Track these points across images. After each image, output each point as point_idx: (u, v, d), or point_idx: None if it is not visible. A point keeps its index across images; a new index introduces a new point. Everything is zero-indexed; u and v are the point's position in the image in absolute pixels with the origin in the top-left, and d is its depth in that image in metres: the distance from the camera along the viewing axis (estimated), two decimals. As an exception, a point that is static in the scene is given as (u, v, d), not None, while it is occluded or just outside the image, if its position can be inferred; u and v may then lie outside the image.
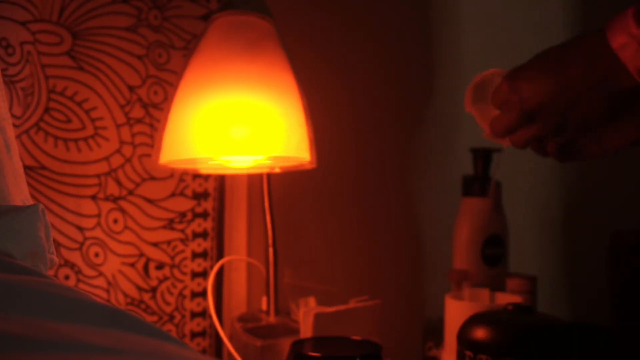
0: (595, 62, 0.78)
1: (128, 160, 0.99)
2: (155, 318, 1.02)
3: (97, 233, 0.96)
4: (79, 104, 0.95)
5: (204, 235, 1.06)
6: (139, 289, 1.00)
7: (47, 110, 0.92)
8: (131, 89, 0.99)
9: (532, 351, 0.81)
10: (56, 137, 0.93)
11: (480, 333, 0.83)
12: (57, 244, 0.93)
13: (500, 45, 1.46)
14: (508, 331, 0.82)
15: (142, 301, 1.00)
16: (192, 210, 1.05)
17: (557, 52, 0.81)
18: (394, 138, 1.33)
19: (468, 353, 0.83)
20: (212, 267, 1.06)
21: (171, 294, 1.03)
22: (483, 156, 1.16)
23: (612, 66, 0.76)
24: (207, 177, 1.06)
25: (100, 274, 0.96)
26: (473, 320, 0.86)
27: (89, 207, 0.96)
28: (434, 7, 1.38)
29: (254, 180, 1.08)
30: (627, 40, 0.73)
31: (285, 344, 0.91)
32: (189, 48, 1.02)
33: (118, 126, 0.98)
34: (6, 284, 0.49)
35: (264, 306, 0.99)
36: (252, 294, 1.10)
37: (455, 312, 0.95)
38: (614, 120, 0.80)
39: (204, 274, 1.06)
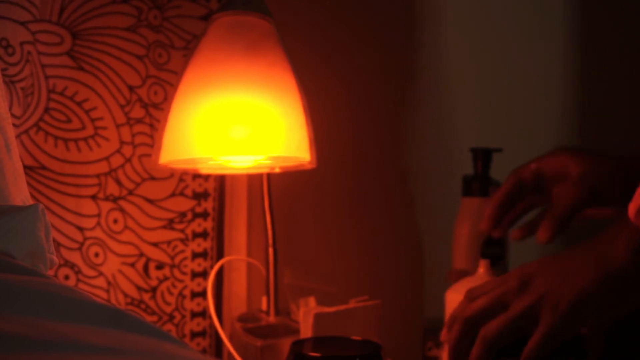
0: (601, 240, 0.69)
1: (128, 160, 0.99)
2: (155, 318, 1.02)
3: (97, 233, 0.96)
4: (79, 104, 0.95)
5: (204, 235, 1.06)
6: (139, 289, 1.00)
7: (47, 110, 0.92)
8: (131, 89, 0.99)
9: None
10: (56, 137, 0.93)
11: None
12: (57, 244, 0.93)
13: (501, 45, 1.46)
14: None
15: (142, 301, 1.00)
16: (192, 210, 1.05)
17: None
18: (394, 138, 1.33)
19: None
20: (212, 267, 1.06)
21: (171, 294, 1.03)
22: (483, 156, 1.16)
23: (616, 238, 0.67)
24: (207, 177, 1.06)
25: (100, 274, 0.96)
26: None
27: (89, 207, 0.96)
28: (436, 7, 1.38)
29: (254, 180, 1.08)
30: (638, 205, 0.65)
31: (285, 344, 0.91)
32: (189, 48, 1.02)
33: (118, 126, 0.98)
34: (6, 284, 0.49)
35: (264, 306, 0.99)
36: (252, 294, 1.10)
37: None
38: (615, 309, 0.69)
39: (204, 274, 1.06)
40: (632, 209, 0.66)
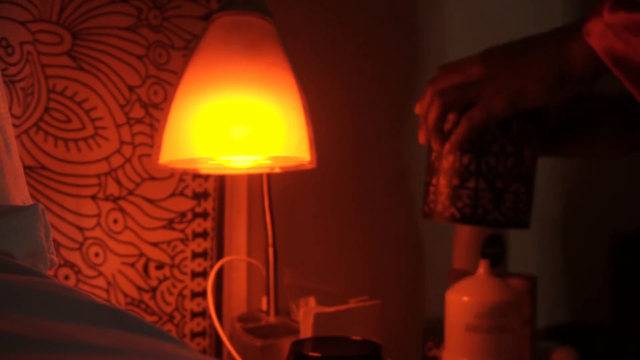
0: (557, 39, 0.80)
1: (128, 160, 0.99)
2: (155, 318, 1.02)
3: (97, 233, 0.96)
4: (79, 104, 0.95)
5: (204, 235, 1.06)
6: (139, 289, 1.00)
7: (47, 110, 0.92)
8: (131, 89, 0.99)
9: None
10: (56, 137, 0.93)
11: None
12: (57, 244, 0.93)
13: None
14: None
15: (142, 301, 1.00)
16: (192, 210, 1.05)
17: (532, 35, 0.84)
18: (394, 138, 1.33)
19: None
20: (212, 267, 1.06)
21: (171, 294, 1.03)
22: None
23: (572, 43, 0.78)
24: (207, 177, 1.06)
25: (100, 274, 0.96)
26: None
27: (89, 207, 0.96)
28: (435, 7, 1.38)
29: (254, 180, 1.08)
30: (597, 21, 0.74)
31: (285, 344, 0.91)
32: (189, 48, 1.02)
33: (118, 126, 0.98)
34: (6, 284, 0.49)
35: (264, 306, 0.99)
36: (252, 294, 1.10)
37: (456, 309, 0.94)
38: (555, 99, 0.82)
39: (204, 274, 1.06)
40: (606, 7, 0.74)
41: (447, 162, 0.87)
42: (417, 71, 1.36)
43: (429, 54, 1.37)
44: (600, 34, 0.74)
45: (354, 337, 0.82)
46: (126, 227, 0.99)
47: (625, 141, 0.91)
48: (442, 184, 0.87)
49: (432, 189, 0.89)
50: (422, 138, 0.89)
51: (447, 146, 0.86)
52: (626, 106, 0.86)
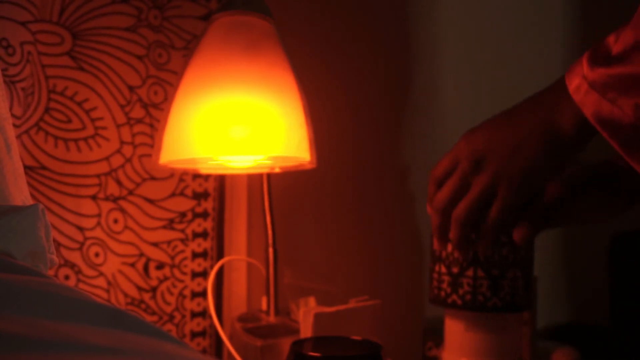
0: (544, 106, 0.77)
1: (128, 160, 0.99)
2: (155, 318, 1.02)
3: (97, 233, 0.96)
4: (79, 104, 0.95)
5: (204, 235, 1.06)
6: (139, 289, 1.00)
7: (47, 110, 0.92)
8: (131, 89, 0.99)
9: None
10: (56, 137, 0.93)
11: None
12: (57, 244, 0.93)
13: (498, 46, 1.46)
14: None
15: (142, 301, 1.00)
16: (192, 210, 1.05)
17: (515, 105, 0.82)
18: (394, 138, 1.33)
19: None
20: (212, 267, 1.06)
21: (171, 294, 1.03)
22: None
23: (559, 110, 0.75)
24: (207, 177, 1.06)
25: (100, 274, 0.96)
26: None
27: (89, 207, 0.96)
28: (434, 8, 1.38)
29: (254, 180, 1.08)
30: (579, 82, 0.72)
31: (285, 344, 0.91)
32: (189, 48, 1.02)
33: (118, 126, 0.98)
34: (6, 284, 0.49)
35: (264, 306, 0.99)
36: (252, 294, 1.10)
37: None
38: (557, 172, 0.80)
39: (204, 274, 1.06)
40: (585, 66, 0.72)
41: (447, 251, 0.91)
42: (416, 71, 1.36)
43: (429, 54, 1.37)
44: (585, 94, 0.72)
45: (354, 337, 0.82)
46: (126, 227, 0.99)
47: (612, 206, 0.91)
48: (444, 271, 0.91)
49: (435, 275, 0.93)
50: (437, 246, 0.89)
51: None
52: (608, 173, 0.86)
